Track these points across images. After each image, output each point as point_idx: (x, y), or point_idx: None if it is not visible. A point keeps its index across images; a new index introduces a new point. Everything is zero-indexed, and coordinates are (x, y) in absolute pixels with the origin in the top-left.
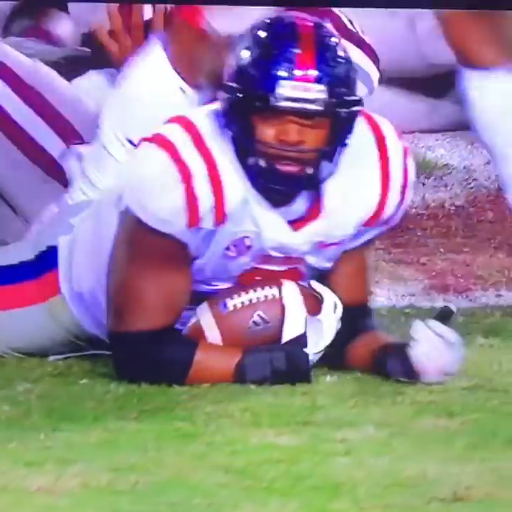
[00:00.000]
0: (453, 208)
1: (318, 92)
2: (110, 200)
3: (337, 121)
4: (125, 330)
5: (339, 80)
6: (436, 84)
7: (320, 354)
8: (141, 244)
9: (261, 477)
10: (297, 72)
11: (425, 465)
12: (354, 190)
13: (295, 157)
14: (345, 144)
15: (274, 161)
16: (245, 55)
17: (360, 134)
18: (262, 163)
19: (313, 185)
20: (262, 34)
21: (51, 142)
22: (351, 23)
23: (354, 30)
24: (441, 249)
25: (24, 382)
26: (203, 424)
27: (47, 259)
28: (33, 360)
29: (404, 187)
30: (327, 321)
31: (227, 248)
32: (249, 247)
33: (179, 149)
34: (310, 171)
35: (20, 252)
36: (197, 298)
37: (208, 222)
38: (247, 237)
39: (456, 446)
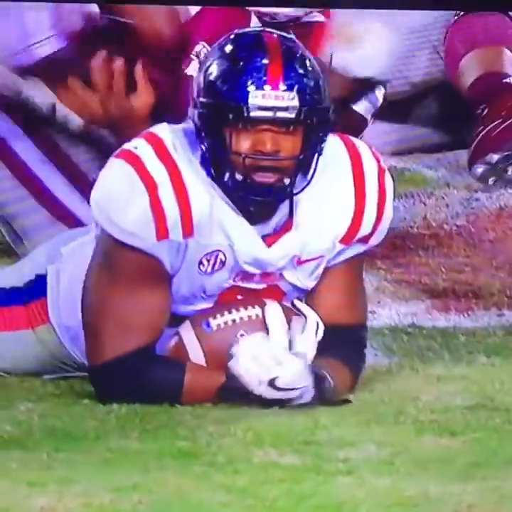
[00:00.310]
0: (454, 227)
1: (289, 99)
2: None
3: (310, 128)
4: (104, 360)
5: (309, 88)
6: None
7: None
8: (114, 261)
9: (263, 496)
10: (267, 82)
11: (427, 484)
12: (327, 207)
13: (272, 166)
14: (320, 152)
15: (251, 172)
16: (214, 69)
17: (335, 153)
18: (239, 176)
19: (289, 195)
20: (229, 48)
21: (59, 186)
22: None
23: None
24: (443, 269)
25: (26, 401)
26: (205, 444)
27: (35, 288)
28: (35, 380)
29: (380, 206)
30: (308, 342)
31: (201, 263)
32: (223, 263)
33: (144, 162)
34: (287, 180)
35: (11, 276)
36: (176, 320)
37: (176, 234)
38: (220, 250)
39: (457, 465)
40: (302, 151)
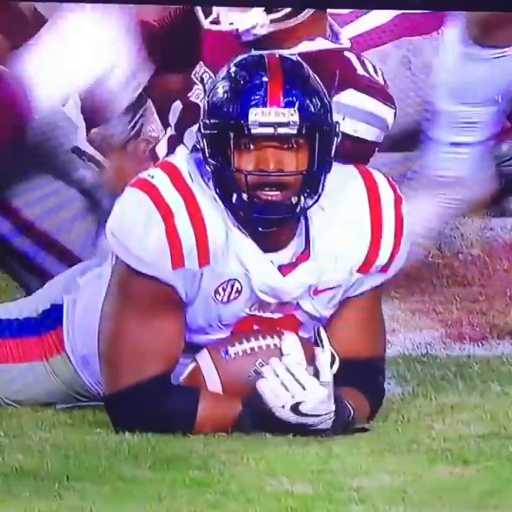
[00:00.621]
0: (469, 256)
1: (290, 115)
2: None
3: (314, 144)
4: (119, 388)
5: (311, 104)
6: None
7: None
8: (130, 290)
9: None
10: (268, 99)
11: None
12: (344, 236)
13: (276, 183)
14: (328, 169)
15: (256, 190)
16: (216, 90)
17: (351, 182)
18: (245, 196)
19: (297, 212)
20: (233, 69)
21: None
22: (363, 64)
23: (365, 75)
24: (457, 298)
25: (38, 431)
26: (217, 473)
27: (50, 318)
28: (48, 410)
29: (396, 235)
30: (323, 374)
31: (217, 292)
32: (239, 292)
33: (160, 190)
34: (294, 198)
35: (25, 308)
36: (192, 349)
37: (192, 262)
38: (236, 279)
39: (471, 494)
40: (307, 167)
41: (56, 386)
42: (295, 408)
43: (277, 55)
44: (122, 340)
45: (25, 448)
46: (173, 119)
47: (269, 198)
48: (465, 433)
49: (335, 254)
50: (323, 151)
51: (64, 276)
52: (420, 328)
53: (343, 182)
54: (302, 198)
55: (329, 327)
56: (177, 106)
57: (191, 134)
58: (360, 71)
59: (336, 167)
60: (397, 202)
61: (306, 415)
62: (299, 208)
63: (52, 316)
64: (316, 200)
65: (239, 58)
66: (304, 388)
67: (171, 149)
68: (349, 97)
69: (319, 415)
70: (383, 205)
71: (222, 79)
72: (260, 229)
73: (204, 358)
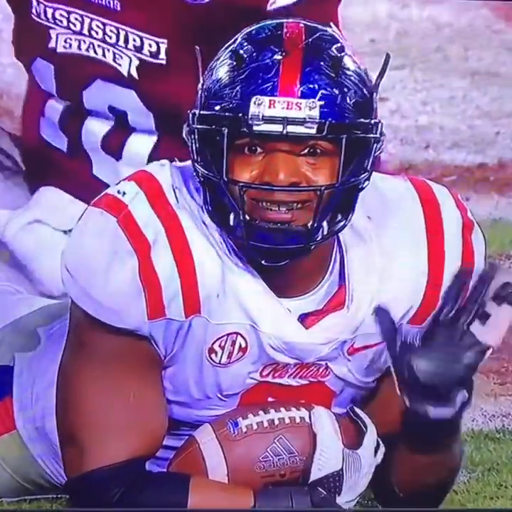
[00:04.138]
0: None
1: (307, 109)
2: None
3: (341, 150)
4: (83, 471)
5: (340, 94)
6: None
7: (355, 501)
8: (91, 345)
9: None
10: (278, 84)
11: None
12: (392, 275)
13: (286, 200)
14: (361, 186)
15: (259, 209)
16: (213, 73)
17: (403, 202)
18: (243, 218)
19: (314, 242)
20: (239, 41)
21: None
22: None
23: None
24: None
25: None
26: None
27: None
28: None
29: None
30: (366, 461)
31: (212, 350)
32: (244, 350)
33: (133, 212)
34: (311, 223)
35: None
36: (183, 429)
37: (176, 311)
38: (238, 333)
39: None
40: (331, 180)
41: (1, 474)
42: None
43: (302, 24)
44: (83, 410)
45: None
46: None
47: (276, 220)
48: None
49: (379, 299)
50: (355, 161)
51: (14, 326)
52: (495, 395)
53: (389, 200)
54: (324, 224)
55: (373, 399)
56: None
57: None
58: None
59: (379, 179)
60: (467, 228)
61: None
62: (318, 236)
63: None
64: (343, 226)
65: (252, 27)
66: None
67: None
68: None
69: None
70: (447, 234)
71: (225, 55)
72: (264, 263)
73: (205, 433)
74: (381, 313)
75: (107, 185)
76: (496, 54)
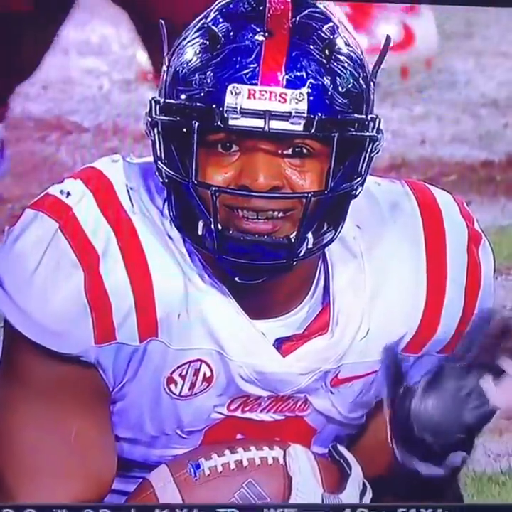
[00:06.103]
0: None
1: (294, 101)
2: None
3: (334, 149)
4: None
5: (331, 84)
6: None
7: None
8: (26, 372)
9: None
10: (260, 71)
11: None
12: (385, 294)
13: (265, 207)
14: (355, 193)
15: (233, 218)
16: (185, 51)
17: (398, 209)
18: (218, 226)
19: (297, 257)
20: (213, 16)
21: None
22: None
23: None
24: None
25: None
26: None
27: None
28: None
29: (468, 293)
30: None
31: (171, 380)
32: (208, 380)
33: (78, 216)
34: (294, 235)
35: None
36: (136, 471)
37: (128, 334)
38: (202, 361)
39: None
40: (319, 186)
41: None
42: None
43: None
44: (14, 450)
45: None
46: None
47: (253, 231)
48: None
49: (369, 323)
50: (348, 163)
51: None
52: (500, 432)
53: (383, 208)
54: (309, 236)
55: (359, 438)
56: None
57: None
58: None
59: (372, 182)
60: (473, 241)
61: None
62: (301, 250)
63: None
64: (332, 240)
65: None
66: None
67: None
68: None
69: None
70: (449, 246)
71: (195, 32)
72: (237, 280)
73: (161, 476)
74: (388, 353)
75: None
76: (504, 31)
